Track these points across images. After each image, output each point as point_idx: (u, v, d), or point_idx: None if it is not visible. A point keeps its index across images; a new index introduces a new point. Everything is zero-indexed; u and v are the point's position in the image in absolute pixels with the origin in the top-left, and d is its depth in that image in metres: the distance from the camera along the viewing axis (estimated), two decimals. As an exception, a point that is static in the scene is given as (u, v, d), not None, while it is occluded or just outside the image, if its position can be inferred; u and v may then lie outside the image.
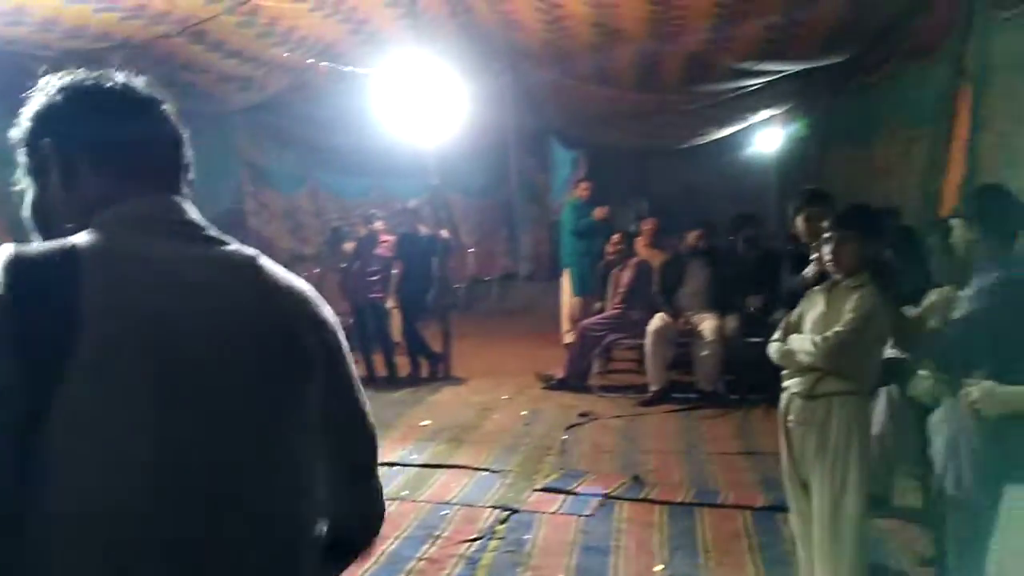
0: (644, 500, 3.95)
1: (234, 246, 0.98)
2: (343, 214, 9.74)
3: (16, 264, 0.82)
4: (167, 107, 1.03)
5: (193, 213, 0.99)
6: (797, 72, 8.42)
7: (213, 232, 0.98)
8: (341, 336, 1.04)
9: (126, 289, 0.85)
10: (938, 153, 5.48)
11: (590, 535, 3.58)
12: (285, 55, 6.57)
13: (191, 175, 1.04)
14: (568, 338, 6.76)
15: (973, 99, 4.94)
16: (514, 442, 4.98)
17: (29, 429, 0.77)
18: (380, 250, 6.82)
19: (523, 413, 5.67)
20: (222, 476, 0.87)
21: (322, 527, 1.00)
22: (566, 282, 7.78)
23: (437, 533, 3.63)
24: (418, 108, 6.28)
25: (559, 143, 12.24)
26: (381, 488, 1.15)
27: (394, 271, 7.18)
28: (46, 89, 0.98)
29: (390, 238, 6.90)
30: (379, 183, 10.02)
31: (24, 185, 1.00)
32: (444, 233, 6.95)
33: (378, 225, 6.81)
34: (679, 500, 3.94)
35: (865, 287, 2.62)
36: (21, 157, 0.98)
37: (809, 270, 3.45)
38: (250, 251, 0.98)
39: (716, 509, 3.83)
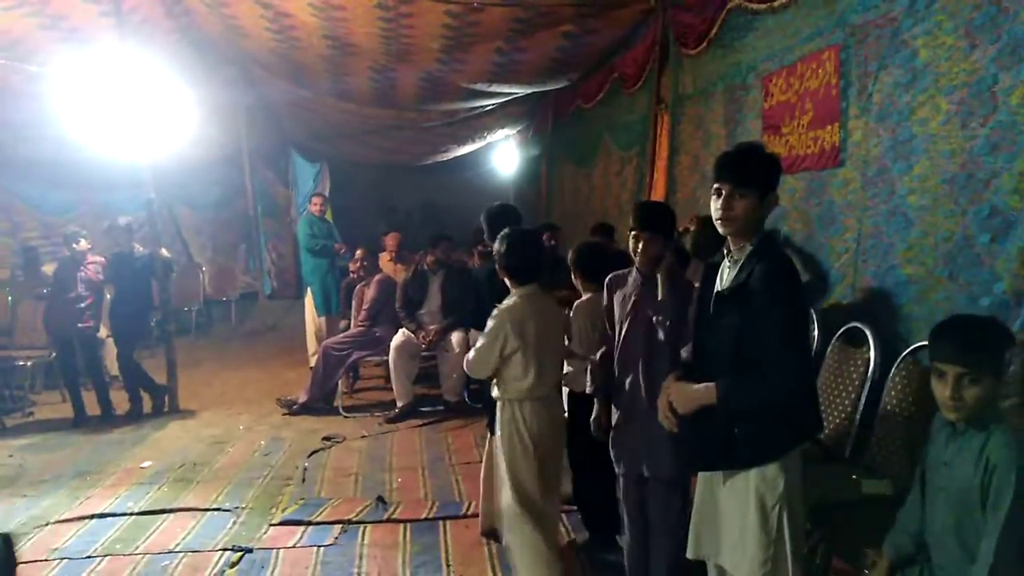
0: (388, 521, 3.88)
1: None
2: (45, 232, 8.54)
3: None
4: None
5: None
6: (527, 95, 8.97)
7: None
8: None
9: None
10: (645, 172, 6.12)
11: (331, 565, 3.43)
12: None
13: None
14: (313, 359, 6.49)
15: (671, 125, 5.60)
16: (250, 476, 4.63)
17: None
18: (87, 273, 6.02)
19: (261, 443, 5.32)
20: None
21: None
22: (309, 301, 7.50)
23: (159, 579, 3.25)
24: (131, 115, 5.65)
25: (300, 156, 11.85)
26: None
27: (107, 296, 6.39)
28: None
29: (99, 259, 6.11)
30: (89, 197, 8.88)
31: None
32: (164, 252, 6.31)
33: (83, 244, 6.00)
34: (422, 516, 3.93)
35: None
36: None
37: None
38: None
39: (459, 520, 3.87)
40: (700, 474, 2.23)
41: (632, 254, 2.71)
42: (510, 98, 8.93)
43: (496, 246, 2.99)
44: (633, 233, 2.68)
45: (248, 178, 10.53)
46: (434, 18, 5.85)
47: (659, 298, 2.63)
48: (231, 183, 10.66)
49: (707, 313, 2.14)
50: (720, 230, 2.07)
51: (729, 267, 2.09)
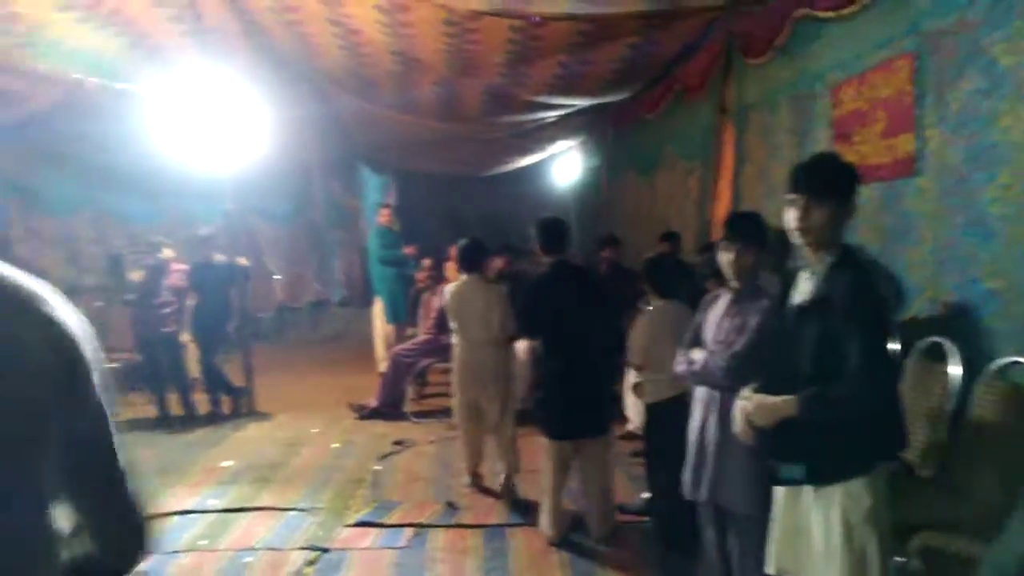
0: (457, 526, 3.98)
1: None
2: (129, 240, 8.98)
3: None
4: None
5: None
6: (588, 107, 9.01)
7: None
8: (83, 342, 0.92)
9: None
10: (709, 183, 6.09)
11: (403, 567, 3.53)
12: (49, 68, 5.95)
13: None
14: (382, 366, 6.66)
15: (736, 135, 5.57)
16: (324, 478, 4.80)
17: None
18: (171, 280, 6.33)
19: (334, 446, 5.50)
20: None
21: (68, 552, 0.93)
22: (378, 309, 7.69)
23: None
24: (210, 129, 5.94)
25: (367, 168, 12.13)
26: (134, 510, 1.05)
27: (188, 302, 6.70)
28: None
29: (182, 267, 6.42)
30: (170, 207, 9.33)
31: None
32: (242, 260, 6.58)
33: (167, 253, 6.31)
34: (491, 522, 4.01)
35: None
36: None
37: None
38: None
39: (529, 528, 3.92)
40: (781, 488, 2.20)
41: (726, 266, 2.61)
42: (571, 110, 8.98)
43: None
44: (724, 244, 2.60)
45: (318, 189, 10.86)
46: (499, 33, 5.96)
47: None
48: (302, 194, 11.01)
49: (786, 325, 2.13)
50: (796, 242, 2.07)
51: (807, 279, 2.09)
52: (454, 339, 4.61)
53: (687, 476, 2.78)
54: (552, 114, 9.11)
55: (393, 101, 8.55)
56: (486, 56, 6.58)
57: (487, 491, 4.51)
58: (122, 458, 1.00)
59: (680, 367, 2.80)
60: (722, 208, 5.68)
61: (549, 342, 3.73)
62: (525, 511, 4.15)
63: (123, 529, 1.03)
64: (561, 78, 7.11)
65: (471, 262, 4.55)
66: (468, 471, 4.61)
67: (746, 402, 2.20)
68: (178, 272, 6.37)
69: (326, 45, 6.86)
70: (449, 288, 4.71)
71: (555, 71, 6.90)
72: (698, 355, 2.71)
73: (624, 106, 8.77)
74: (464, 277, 4.56)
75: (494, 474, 4.56)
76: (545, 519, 3.79)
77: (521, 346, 5.85)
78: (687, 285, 3.74)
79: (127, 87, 6.36)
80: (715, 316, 2.72)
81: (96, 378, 0.94)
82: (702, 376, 2.68)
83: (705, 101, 6.13)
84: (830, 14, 3.97)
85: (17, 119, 6.81)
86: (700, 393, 2.76)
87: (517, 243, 7.28)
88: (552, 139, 10.78)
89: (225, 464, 5.14)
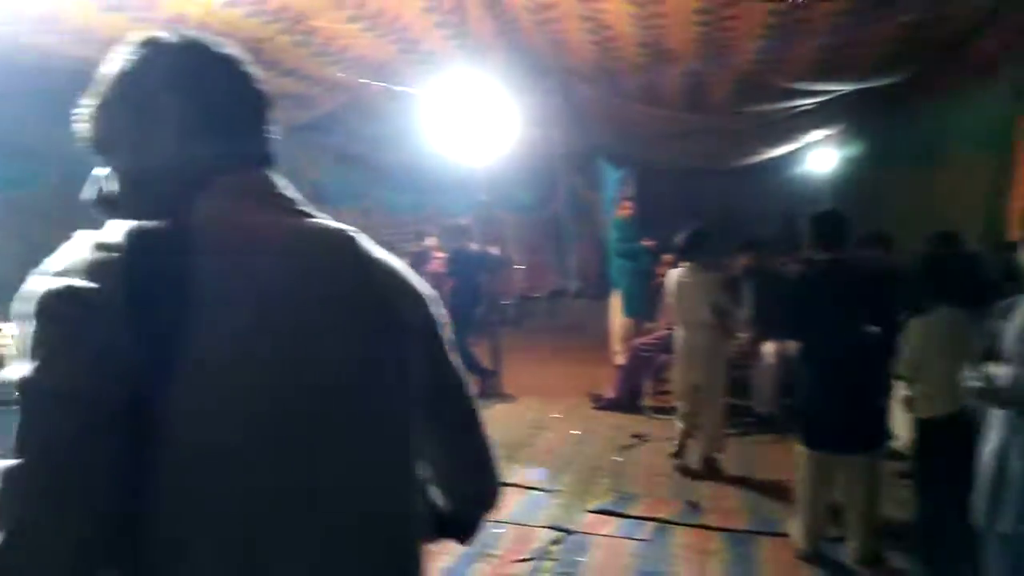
0: (701, 526, 3.91)
1: (328, 220, 0.99)
2: (397, 229, 9.89)
3: (136, 254, 0.81)
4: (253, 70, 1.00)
5: (286, 186, 0.99)
6: (851, 92, 8.30)
7: (306, 206, 0.98)
8: (437, 309, 1.05)
9: (239, 257, 0.87)
10: (1004, 176, 5.35)
11: (645, 560, 3.55)
12: (340, 74, 6.73)
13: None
14: (619, 358, 6.72)
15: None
16: (565, 462, 4.96)
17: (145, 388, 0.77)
18: (432, 266, 6.89)
19: (574, 433, 5.66)
20: (329, 442, 0.88)
21: (428, 500, 1.02)
22: (616, 301, 7.75)
23: (491, 551, 3.64)
24: (469, 126, 6.37)
25: (607, 161, 12.26)
26: (491, 459, 1.13)
27: (444, 287, 7.25)
28: (131, 54, 0.94)
29: (442, 255, 6.96)
30: (430, 199, 10.16)
31: (109, 159, 0.96)
32: (495, 249, 6.99)
33: (430, 241, 6.89)
34: (738, 527, 3.89)
35: None
36: (105, 127, 0.95)
37: None
38: (345, 226, 0.99)
39: (775, 538, 3.75)
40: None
41: None
42: (830, 96, 8.34)
43: None
44: None
45: (560, 182, 11.19)
46: (756, 17, 5.69)
47: None
48: (545, 186, 11.41)
49: None
50: None
51: None
52: (676, 327, 4.88)
53: (981, 504, 2.48)
54: (808, 101, 8.54)
55: (638, 94, 8.55)
56: (740, 43, 6.33)
57: (687, 470, 4.77)
58: (480, 413, 1.10)
59: (974, 383, 2.49)
60: (1020, 204, 4.96)
61: (814, 345, 3.51)
62: (773, 519, 3.97)
63: (480, 483, 1.13)
64: (824, 62, 6.63)
65: (691, 250, 4.86)
66: (676, 447, 4.91)
67: None
68: (438, 259, 6.92)
69: (577, 41, 7.03)
70: (670, 275, 5.04)
71: (817, 55, 6.45)
72: (1000, 371, 2.39)
73: (894, 91, 7.96)
74: (684, 264, 4.87)
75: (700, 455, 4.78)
76: (797, 529, 3.59)
77: (769, 348, 5.59)
78: (972, 288, 3.32)
79: (402, 89, 7.02)
80: (1016, 327, 2.39)
81: (447, 335, 1.06)
82: (1008, 395, 2.36)
83: (998, 85, 5.38)
84: None
85: (309, 121, 7.80)
86: (1000, 413, 2.44)
87: (763, 239, 6.94)
88: (806, 128, 10.09)
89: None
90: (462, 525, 1.15)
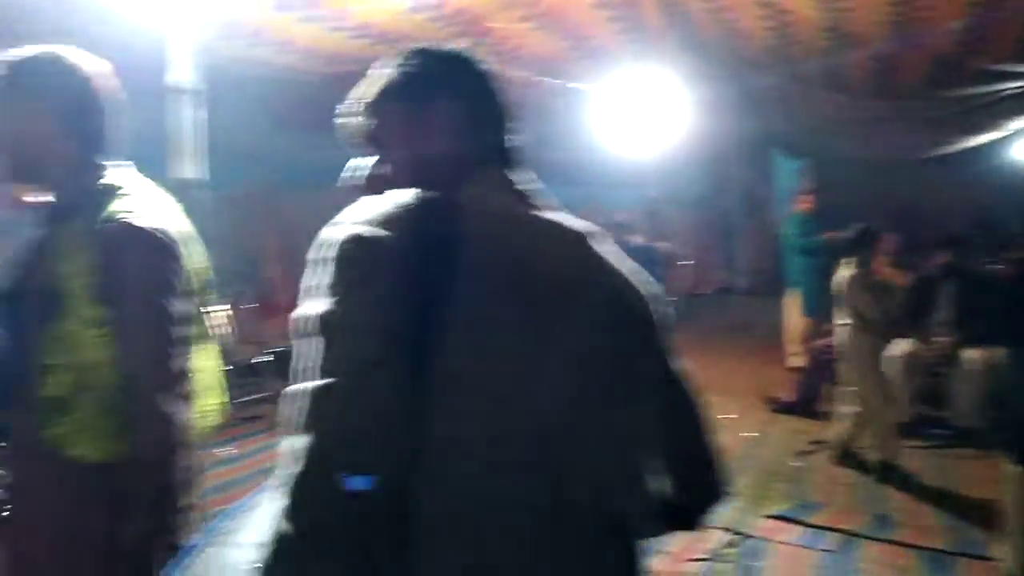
0: (894, 542, 3.63)
1: (567, 215, 1.06)
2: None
3: (419, 215, 0.93)
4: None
5: (534, 181, 1.09)
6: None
7: (551, 201, 1.07)
8: (663, 308, 1.09)
9: (503, 243, 0.95)
10: None
11: (828, 571, 3.36)
12: (514, 73, 6.89)
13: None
14: (794, 360, 6.39)
15: None
16: (740, 464, 4.77)
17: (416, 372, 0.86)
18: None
19: (750, 435, 5.44)
20: (577, 429, 0.93)
21: (655, 493, 1.05)
22: (792, 301, 7.36)
23: (664, 548, 3.59)
24: (638, 120, 6.29)
25: (782, 153, 11.70)
26: (718, 452, 1.16)
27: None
28: (405, 63, 1.08)
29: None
30: (595, 194, 10.16)
31: (383, 151, 1.08)
32: (664, 244, 6.87)
33: (593, 236, 6.92)
34: (935, 546, 3.58)
35: None
36: (378, 123, 1.07)
37: None
38: (580, 222, 1.06)
39: (979, 561, 3.41)
40: None
41: None
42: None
43: None
44: None
45: (732, 176, 10.81)
46: (962, -5, 5.19)
47: None
48: (712, 181, 11.08)
49: None
50: None
51: None
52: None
53: None
54: (1015, 84, 7.69)
55: (820, 80, 8.07)
56: (938, 23, 5.81)
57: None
58: (699, 402, 1.13)
59: None
60: None
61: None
62: (976, 540, 3.61)
63: (711, 475, 1.15)
64: (1033, 41, 5.94)
65: (856, 250, 4.88)
66: (833, 445, 4.84)
67: None
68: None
69: (751, 28, 6.74)
70: (838, 276, 5.00)
71: (1024, 32, 5.79)
72: None
73: None
74: (852, 265, 4.83)
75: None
76: (1006, 554, 3.23)
77: (971, 355, 5.08)
78: None
79: (574, 86, 7.07)
80: None
81: (671, 330, 1.11)
82: None
83: None
84: None
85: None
86: None
87: (963, 236, 6.33)
88: (1011, 114, 9.08)
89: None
90: (693, 516, 1.17)
